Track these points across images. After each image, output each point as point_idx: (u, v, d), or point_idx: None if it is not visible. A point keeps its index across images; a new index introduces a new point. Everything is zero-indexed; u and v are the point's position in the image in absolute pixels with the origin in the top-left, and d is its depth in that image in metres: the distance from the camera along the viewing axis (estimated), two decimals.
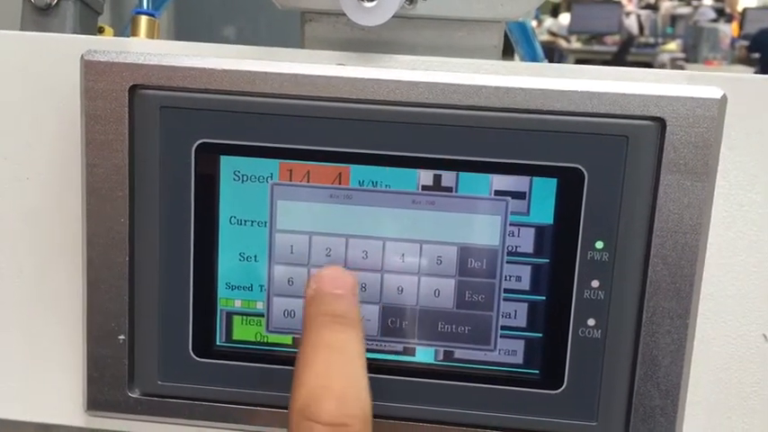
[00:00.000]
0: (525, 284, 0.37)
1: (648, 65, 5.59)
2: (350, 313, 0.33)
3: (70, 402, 0.41)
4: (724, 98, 0.35)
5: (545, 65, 0.40)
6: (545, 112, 0.35)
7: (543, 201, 0.36)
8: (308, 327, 0.33)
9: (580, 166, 0.35)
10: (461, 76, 0.36)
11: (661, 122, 0.35)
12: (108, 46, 0.38)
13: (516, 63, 0.39)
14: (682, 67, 5.04)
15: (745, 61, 5.13)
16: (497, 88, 0.35)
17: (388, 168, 0.36)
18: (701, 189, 0.35)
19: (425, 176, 0.36)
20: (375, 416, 0.38)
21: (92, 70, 0.36)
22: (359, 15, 0.36)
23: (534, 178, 0.36)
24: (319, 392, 0.30)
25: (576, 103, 0.35)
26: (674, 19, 6.62)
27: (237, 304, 0.38)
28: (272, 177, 0.37)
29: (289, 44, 0.43)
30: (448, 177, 0.36)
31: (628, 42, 5.83)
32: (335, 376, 0.31)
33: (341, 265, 0.37)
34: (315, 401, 0.30)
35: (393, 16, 0.36)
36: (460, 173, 0.36)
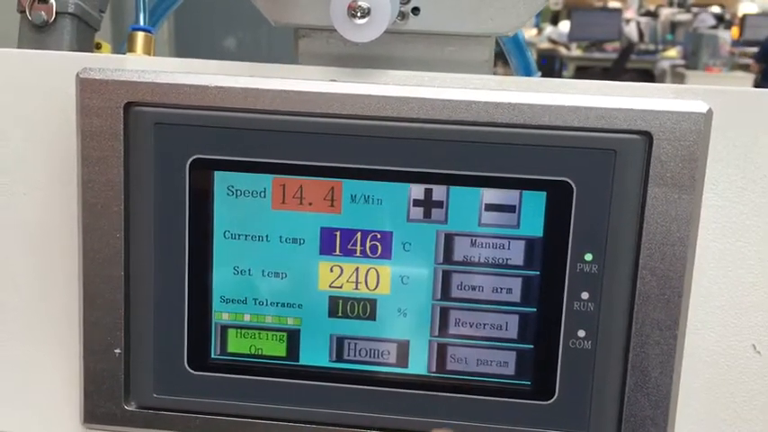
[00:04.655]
0: (516, 296, 0.37)
1: (648, 72, 5.59)
2: None
3: (67, 415, 0.42)
4: (710, 112, 0.35)
5: (534, 79, 0.40)
6: (534, 127, 0.36)
7: (533, 214, 0.36)
8: None
9: (569, 180, 0.36)
10: (451, 92, 0.36)
11: (648, 136, 0.35)
12: (103, 63, 0.38)
13: (505, 78, 0.39)
14: (682, 74, 5.04)
15: (745, 68, 5.13)
16: (487, 103, 0.36)
17: (379, 183, 0.37)
18: (688, 201, 0.35)
19: (417, 190, 0.37)
20: (367, 427, 0.38)
21: (87, 88, 0.37)
22: (350, 32, 0.37)
23: (524, 192, 0.36)
24: None
25: (565, 117, 0.35)
26: (673, 26, 6.63)
27: (232, 317, 0.39)
28: (265, 192, 0.38)
29: (289, 55, 0.43)
30: (439, 191, 0.37)
31: (628, 49, 5.83)
32: None
33: None
34: None
35: (385, 32, 0.36)
36: (451, 187, 0.37)
